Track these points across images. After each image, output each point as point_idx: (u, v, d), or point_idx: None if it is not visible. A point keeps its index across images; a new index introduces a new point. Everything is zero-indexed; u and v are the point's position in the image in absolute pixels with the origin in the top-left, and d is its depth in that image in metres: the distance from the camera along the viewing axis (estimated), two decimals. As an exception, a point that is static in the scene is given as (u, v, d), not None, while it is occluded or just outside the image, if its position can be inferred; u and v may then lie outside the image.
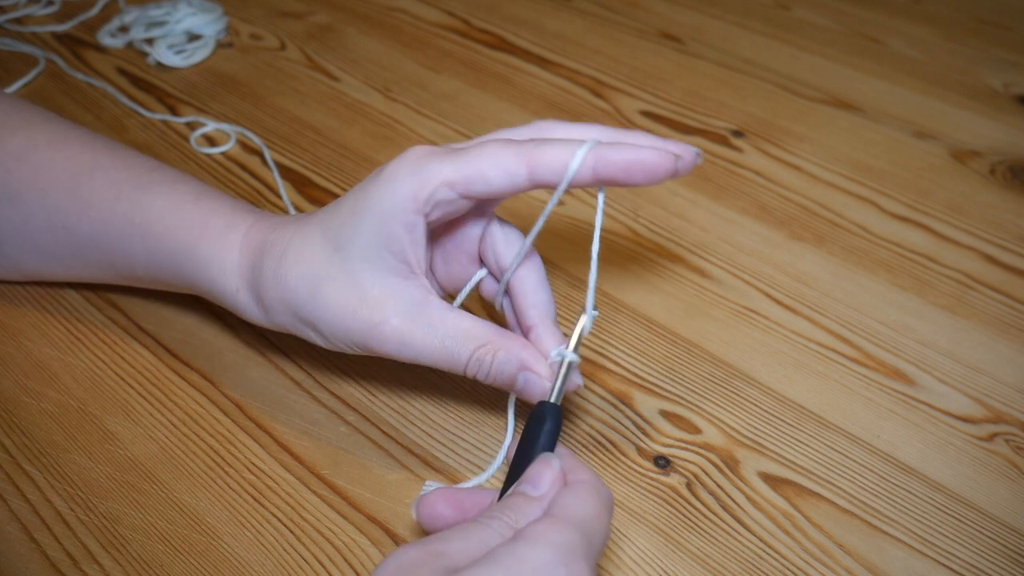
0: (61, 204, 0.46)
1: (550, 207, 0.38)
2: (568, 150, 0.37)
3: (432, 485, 0.42)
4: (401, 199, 0.38)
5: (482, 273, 0.43)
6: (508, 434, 0.43)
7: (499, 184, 0.38)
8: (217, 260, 0.43)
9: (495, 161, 0.38)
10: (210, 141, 0.65)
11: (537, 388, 0.39)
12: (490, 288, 0.43)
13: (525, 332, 0.41)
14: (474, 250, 0.43)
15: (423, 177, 0.38)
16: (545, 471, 0.35)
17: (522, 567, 0.29)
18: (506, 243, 0.42)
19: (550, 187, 0.38)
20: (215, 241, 0.44)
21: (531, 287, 0.41)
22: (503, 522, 0.32)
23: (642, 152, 0.37)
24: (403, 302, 0.40)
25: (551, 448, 0.37)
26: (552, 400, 0.38)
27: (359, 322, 0.40)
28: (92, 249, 0.47)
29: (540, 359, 0.40)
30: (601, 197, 0.39)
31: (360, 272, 0.40)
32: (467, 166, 0.38)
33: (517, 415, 0.43)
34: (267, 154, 0.63)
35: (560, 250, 0.55)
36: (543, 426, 0.37)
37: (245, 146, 0.64)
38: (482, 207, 0.42)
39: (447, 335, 0.39)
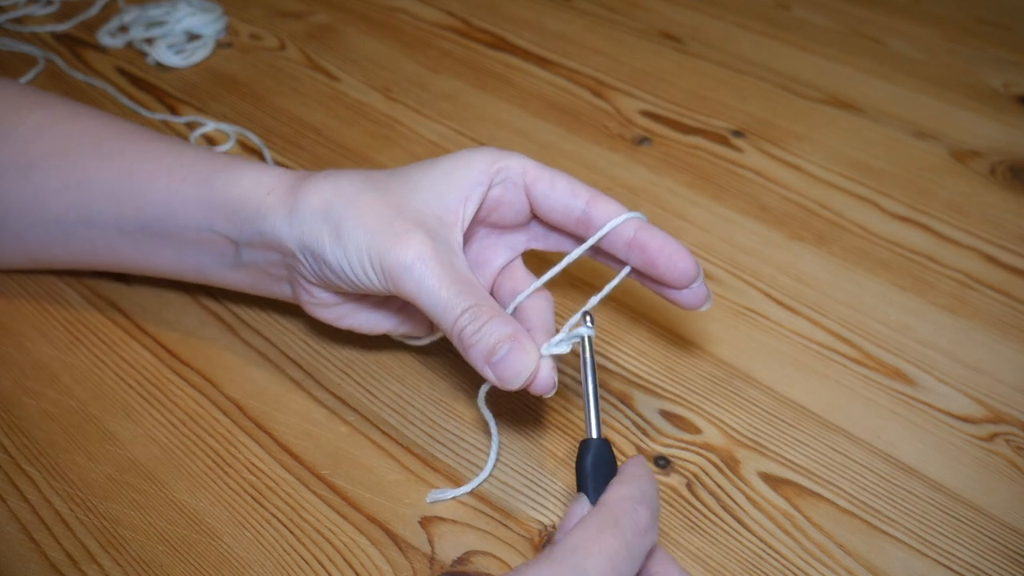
0: (80, 160, 0.47)
1: (583, 249, 0.42)
2: (622, 209, 0.42)
3: (437, 494, 0.42)
4: (478, 159, 0.42)
5: None
6: (492, 432, 0.44)
7: (559, 196, 0.42)
8: (256, 171, 0.44)
9: (568, 180, 0.42)
10: (210, 141, 0.65)
11: (518, 360, 0.37)
12: None
13: None
14: (489, 283, 0.45)
15: (504, 152, 0.42)
16: (573, 511, 0.35)
17: None
18: (525, 279, 0.44)
19: (586, 235, 0.42)
20: (254, 164, 0.44)
21: (539, 307, 0.43)
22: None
23: (679, 247, 0.41)
24: (435, 235, 0.40)
25: (588, 486, 0.36)
26: (592, 434, 0.38)
27: (386, 229, 0.39)
28: (103, 201, 0.46)
29: (533, 343, 0.38)
30: (625, 271, 0.42)
31: (411, 197, 0.41)
32: (544, 168, 0.42)
33: (495, 411, 0.44)
34: (267, 154, 0.63)
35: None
36: (579, 465, 0.37)
37: (245, 146, 0.64)
38: (515, 242, 0.45)
39: (458, 278, 0.39)
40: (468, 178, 0.41)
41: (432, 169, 0.42)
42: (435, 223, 0.40)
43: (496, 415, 0.45)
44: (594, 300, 0.41)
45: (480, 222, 0.44)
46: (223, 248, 0.45)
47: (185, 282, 0.50)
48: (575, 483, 0.38)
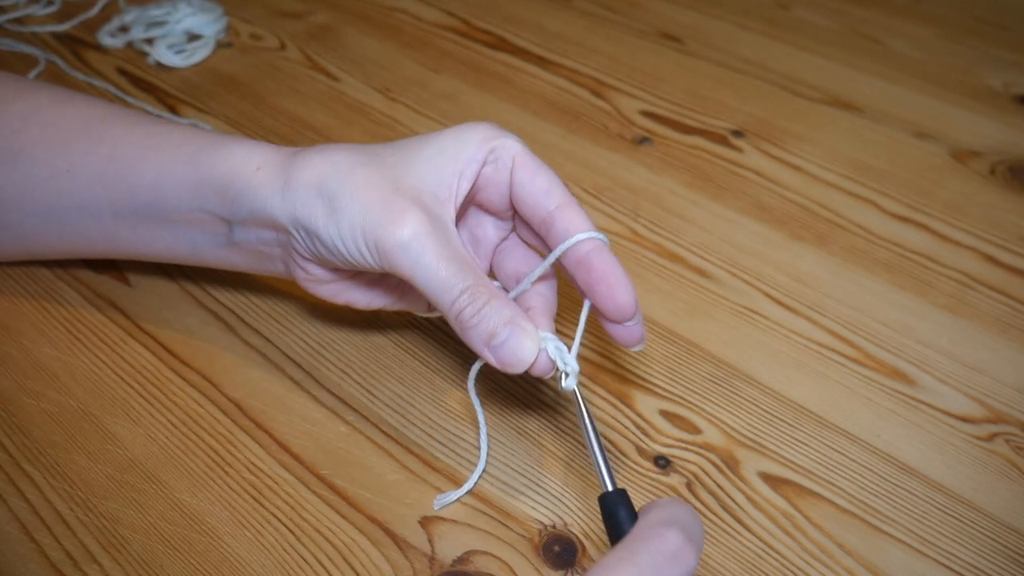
0: (68, 147, 0.46)
1: (552, 257, 0.40)
2: (588, 224, 0.40)
3: (443, 498, 0.42)
4: (475, 135, 0.41)
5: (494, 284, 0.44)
6: (480, 420, 0.44)
7: (533, 191, 0.41)
8: (246, 147, 0.43)
9: (549, 179, 0.41)
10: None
11: (517, 347, 0.37)
12: None
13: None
14: (487, 260, 0.44)
15: (501, 131, 0.42)
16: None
17: None
18: (526, 257, 0.44)
19: (546, 239, 0.41)
20: (243, 140, 0.44)
21: (541, 288, 0.42)
22: None
23: (623, 281, 0.39)
24: (431, 212, 0.39)
25: (615, 537, 0.34)
26: (607, 487, 0.35)
27: (381, 206, 0.39)
28: (94, 187, 0.46)
29: (531, 325, 0.38)
30: (586, 307, 0.40)
31: (406, 173, 0.40)
32: (533, 160, 0.41)
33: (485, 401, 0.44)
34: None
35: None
36: (607, 520, 0.35)
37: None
38: (504, 225, 0.44)
39: (456, 257, 0.38)
40: (464, 153, 0.41)
41: (429, 143, 0.42)
42: (430, 199, 0.40)
43: (494, 414, 0.45)
44: (574, 348, 0.39)
45: (470, 200, 0.43)
46: (216, 227, 0.44)
47: (184, 266, 0.50)
48: (605, 529, 0.36)
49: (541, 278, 0.42)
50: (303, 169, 0.41)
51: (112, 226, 0.47)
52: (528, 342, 0.37)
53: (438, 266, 0.38)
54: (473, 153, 0.41)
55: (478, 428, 0.45)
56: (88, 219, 0.47)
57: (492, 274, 0.45)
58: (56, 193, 0.47)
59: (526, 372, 0.38)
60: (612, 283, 0.39)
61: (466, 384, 0.47)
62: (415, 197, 0.39)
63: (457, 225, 0.41)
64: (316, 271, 0.43)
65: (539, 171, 0.41)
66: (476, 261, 0.40)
